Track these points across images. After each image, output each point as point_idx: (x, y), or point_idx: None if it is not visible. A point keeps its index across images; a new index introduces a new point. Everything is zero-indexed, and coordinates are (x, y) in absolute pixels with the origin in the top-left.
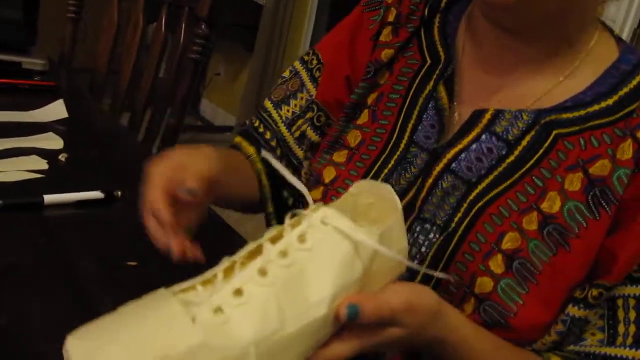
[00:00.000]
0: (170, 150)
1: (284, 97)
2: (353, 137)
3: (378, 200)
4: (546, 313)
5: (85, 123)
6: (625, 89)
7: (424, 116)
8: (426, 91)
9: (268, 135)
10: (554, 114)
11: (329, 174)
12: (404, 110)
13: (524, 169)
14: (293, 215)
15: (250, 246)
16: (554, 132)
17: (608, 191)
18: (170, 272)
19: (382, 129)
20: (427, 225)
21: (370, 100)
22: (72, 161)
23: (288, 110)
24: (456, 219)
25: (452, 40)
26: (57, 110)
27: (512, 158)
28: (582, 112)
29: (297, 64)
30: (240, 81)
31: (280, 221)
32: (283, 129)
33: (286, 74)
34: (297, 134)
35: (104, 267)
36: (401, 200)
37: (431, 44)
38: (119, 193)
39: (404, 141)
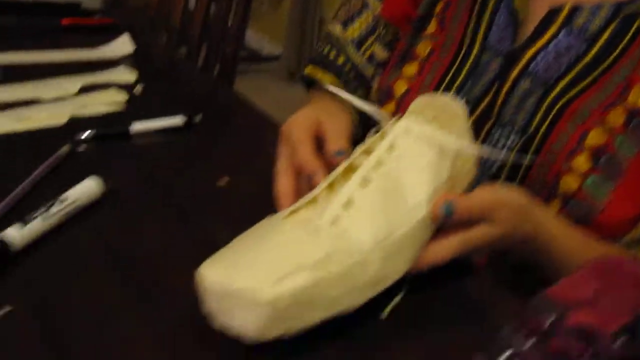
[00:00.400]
0: (302, 109)
1: (347, 17)
2: (423, 48)
3: (440, 112)
4: (634, 207)
5: (151, 56)
6: None
7: (496, 19)
8: None
9: (340, 60)
10: (634, 5)
11: (400, 88)
12: (474, 14)
13: (605, 64)
14: (376, 132)
15: (342, 166)
16: (635, 24)
17: None
18: (262, 187)
19: (452, 36)
20: (507, 130)
21: (438, 9)
22: (147, 92)
23: (354, 31)
24: (536, 121)
25: None
26: (123, 45)
27: (591, 54)
28: None
29: None
30: (283, 8)
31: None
32: (352, 50)
33: None
34: (367, 54)
35: (199, 188)
36: (477, 107)
37: None
38: (199, 118)
39: (476, 47)
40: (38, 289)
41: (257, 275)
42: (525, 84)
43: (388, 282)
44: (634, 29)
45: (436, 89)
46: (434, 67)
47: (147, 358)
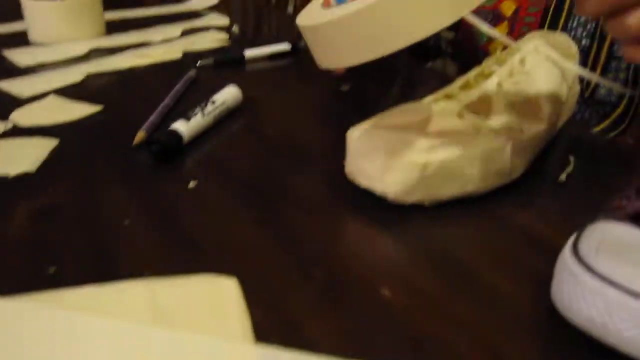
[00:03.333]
0: None
1: None
2: None
3: (556, 47)
4: None
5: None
6: None
7: None
8: None
9: None
10: None
11: (508, 8)
12: None
13: None
14: (504, 48)
15: (475, 70)
16: None
17: None
18: (381, 88)
19: None
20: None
21: None
22: (243, 30)
23: None
24: None
25: None
26: None
27: None
28: None
29: None
30: None
31: None
32: None
33: None
34: None
35: (321, 94)
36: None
37: None
38: (303, 42)
39: None
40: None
41: (408, 138)
42: None
43: (515, 174)
44: None
45: (547, 1)
46: None
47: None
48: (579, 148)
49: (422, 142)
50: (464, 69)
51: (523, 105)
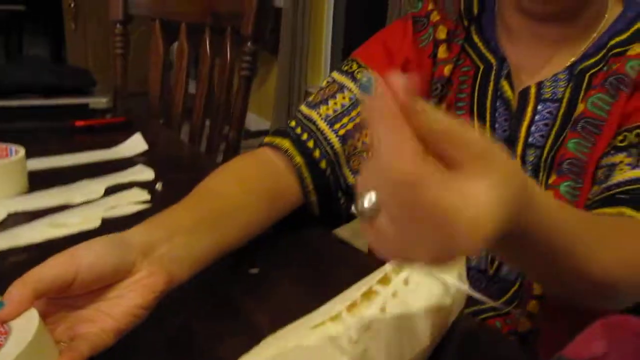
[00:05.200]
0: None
1: (321, 100)
2: None
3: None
4: None
5: (164, 150)
6: (634, 27)
7: (497, 114)
8: (490, 92)
9: (305, 136)
10: (581, 63)
11: None
12: (475, 116)
13: (576, 113)
14: None
15: (362, 289)
16: (587, 75)
17: (623, 76)
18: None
19: None
20: None
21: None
22: (167, 187)
23: (328, 109)
24: (541, 177)
25: (494, 43)
26: (137, 143)
27: (563, 109)
28: (602, 53)
29: (335, 74)
30: (270, 84)
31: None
32: (323, 125)
33: (323, 84)
34: (341, 132)
35: (233, 273)
36: None
37: (477, 50)
38: None
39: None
40: None
41: None
42: (530, 156)
43: None
44: (587, 78)
45: None
46: None
47: None
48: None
49: None
50: None
51: (404, 329)
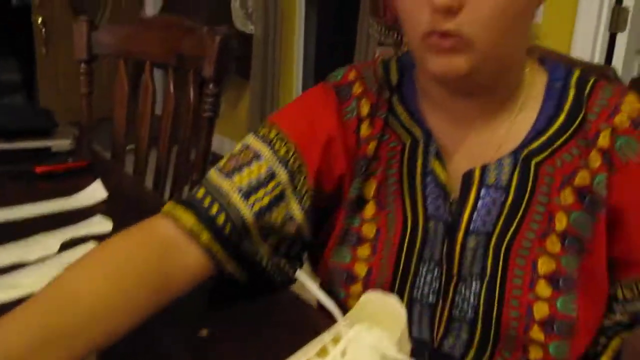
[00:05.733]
0: None
1: (233, 167)
2: (369, 229)
3: (383, 313)
4: (598, 309)
5: (124, 196)
6: (568, 103)
7: (427, 192)
8: (419, 170)
9: (215, 209)
10: (525, 148)
11: (361, 270)
12: (405, 193)
13: (524, 203)
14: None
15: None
16: (533, 161)
17: (595, 197)
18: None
19: (393, 214)
20: (468, 280)
21: (371, 193)
22: None
23: (242, 179)
24: (489, 265)
25: (418, 115)
26: (97, 192)
27: (510, 199)
28: (545, 138)
29: (251, 139)
30: (242, 107)
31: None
32: (237, 198)
33: (236, 149)
34: (256, 207)
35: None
36: (441, 269)
37: (402, 123)
38: None
39: (420, 219)
40: None
41: None
42: (472, 242)
43: None
44: (533, 166)
45: (396, 264)
46: (386, 245)
47: None
48: None
49: None
50: None
51: None
